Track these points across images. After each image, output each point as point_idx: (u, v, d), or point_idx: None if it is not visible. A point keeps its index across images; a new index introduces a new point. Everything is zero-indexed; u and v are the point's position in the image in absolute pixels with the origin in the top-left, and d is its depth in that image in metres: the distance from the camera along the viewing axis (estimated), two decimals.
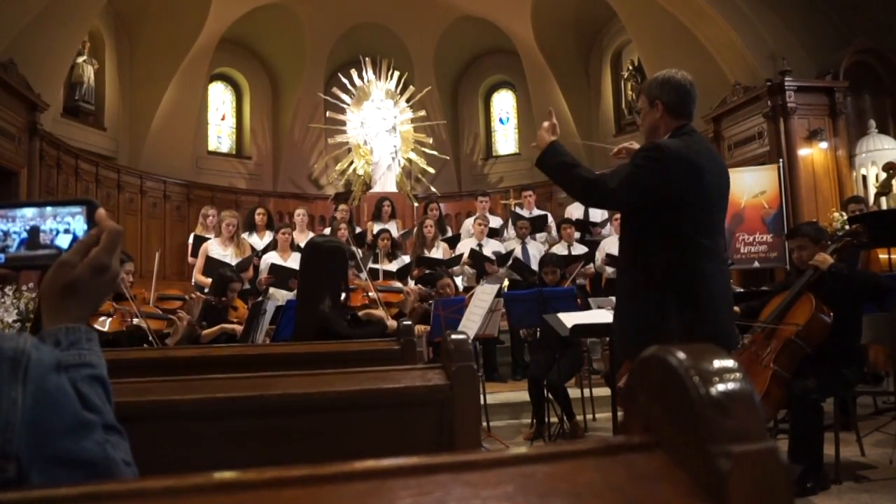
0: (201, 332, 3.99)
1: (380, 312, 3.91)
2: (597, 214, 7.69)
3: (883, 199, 6.83)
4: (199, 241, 6.44)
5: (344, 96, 10.31)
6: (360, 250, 5.71)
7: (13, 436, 0.60)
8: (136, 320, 3.39)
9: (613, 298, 4.57)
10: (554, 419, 4.51)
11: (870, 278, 3.37)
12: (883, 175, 6.90)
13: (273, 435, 1.23)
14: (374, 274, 5.92)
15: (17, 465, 0.60)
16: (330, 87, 10.72)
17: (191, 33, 9.61)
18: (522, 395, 4.86)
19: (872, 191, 6.98)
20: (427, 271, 6.31)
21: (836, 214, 6.72)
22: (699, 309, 2.16)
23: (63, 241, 0.86)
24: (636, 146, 2.47)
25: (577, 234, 7.16)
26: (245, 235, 6.58)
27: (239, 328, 4.16)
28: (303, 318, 2.65)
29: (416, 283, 6.03)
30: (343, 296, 2.75)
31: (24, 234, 0.86)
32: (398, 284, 5.44)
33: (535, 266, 6.16)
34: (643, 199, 2.18)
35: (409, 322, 2.16)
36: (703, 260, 2.18)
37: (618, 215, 6.99)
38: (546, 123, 2.34)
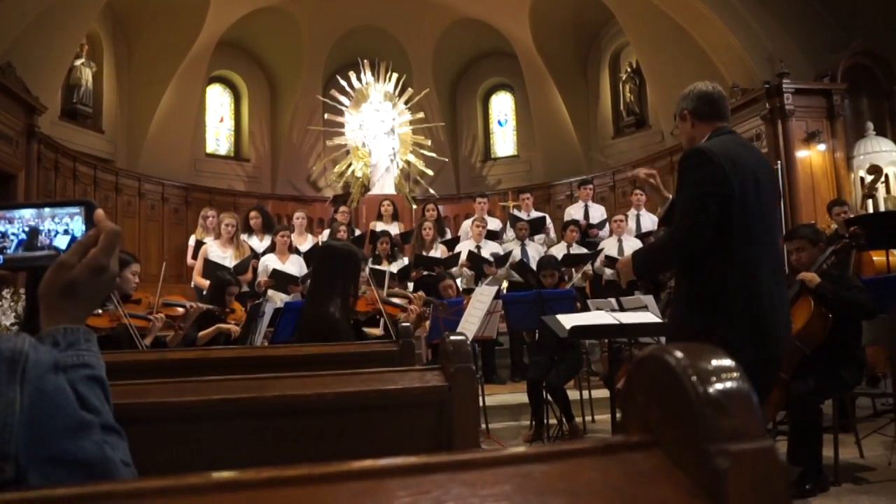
0: (197, 335, 3.98)
1: (378, 332, 3.92)
2: (596, 216, 7.70)
3: (870, 202, 6.86)
4: (200, 244, 6.44)
5: (342, 98, 10.31)
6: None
7: (11, 436, 0.60)
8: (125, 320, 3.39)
9: (612, 300, 4.59)
10: (553, 421, 4.51)
11: (852, 303, 3.29)
12: (869, 178, 6.94)
13: (271, 437, 1.23)
14: (375, 275, 5.91)
15: (15, 465, 0.60)
16: (328, 90, 10.72)
17: (189, 36, 9.61)
18: (521, 397, 4.85)
19: None
20: (425, 273, 6.31)
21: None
22: (721, 305, 2.12)
23: (61, 242, 0.86)
24: (650, 171, 2.53)
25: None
26: (244, 237, 6.57)
27: (235, 328, 4.16)
28: (310, 319, 2.65)
29: (415, 286, 6.03)
30: (351, 301, 2.76)
31: (23, 236, 0.86)
32: (401, 298, 5.42)
33: (533, 267, 6.16)
34: (713, 207, 2.10)
35: (409, 324, 2.16)
36: (741, 256, 2.12)
37: (617, 217, 7.03)
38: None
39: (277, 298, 5.73)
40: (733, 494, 0.40)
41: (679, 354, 0.45)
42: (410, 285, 6.37)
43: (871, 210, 6.84)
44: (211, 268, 5.62)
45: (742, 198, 2.11)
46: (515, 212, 7.94)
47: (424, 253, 6.60)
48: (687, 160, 2.19)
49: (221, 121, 11.27)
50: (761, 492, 0.40)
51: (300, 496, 0.42)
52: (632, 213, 7.26)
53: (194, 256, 6.46)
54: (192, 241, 6.94)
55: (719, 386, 0.43)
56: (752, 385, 0.43)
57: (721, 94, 2.35)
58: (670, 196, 2.36)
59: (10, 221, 0.86)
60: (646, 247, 2.39)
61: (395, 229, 7.35)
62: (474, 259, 6.54)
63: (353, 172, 10.32)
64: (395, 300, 5.12)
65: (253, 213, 6.92)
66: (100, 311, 3.28)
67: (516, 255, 6.82)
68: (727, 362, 0.45)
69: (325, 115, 10.65)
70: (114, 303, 3.36)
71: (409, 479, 0.42)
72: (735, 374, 0.44)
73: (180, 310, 3.92)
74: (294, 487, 0.42)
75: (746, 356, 2.06)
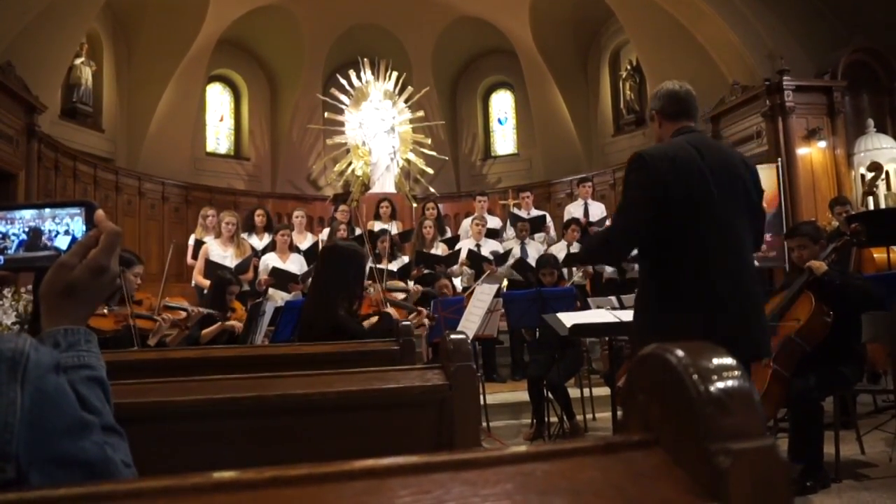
0: (201, 333, 3.98)
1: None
2: (595, 213, 7.70)
3: (870, 199, 6.85)
4: (200, 244, 6.45)
5: (342, 97, 10.31)
6: None
7: (12, 436, 0.60)
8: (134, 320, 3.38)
9: (613, 298, 4.59)
10: (554, 419, 4.51)
11: (859, 289, 3.30)
12: (869, 175, 6.94)
13: (272, 435, 1.23)
14: (375, 274, 5.91)
15: (16, 465, 0.60)
16: (328, 88, 10.72)
17: (189, 35, 9.61)
18: (522, 396, 4.86)
19: None
20: (426, 271, 6.31)
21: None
22: (670, 306, 2.14)
23: (62, 243, 0.86)
24: None
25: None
26: (244, 236, 6.58)
27: (239, 325, 4.16)
28: (314, 319, 2.64)
29: (415, 284, 6.03)
30: (357, 302, 2.75)
31: (23, 236, 0.86)
32: (402, 291, 5.42)
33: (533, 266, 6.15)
34: (646, 210, 2.15)
35: (409, 323, 2.16)
36: (690, 257, 2.13)
37: None
38: None
39: (278, 297, 5.74)
40: (734, 493, 0.40)
41: (680, 353, 0.45)
42: (411, 284, 6.37)
43: (871, 207, 6.83)
44: (212, 267, 5.62)
45: (683, 198, 2.12)
46: (516, 210, 7.93)
47: (425, 251, 6.60)
48: (628, 164, 2.24)
49: (221, 120, 11.26)
50: (762, 490, 0.40)
51: (302, 496, 0.42)
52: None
53: (194, 256, 6.47)
54: (191, 241, 6.95)
55: (720, 384, 0.43)
56: None
57: (688, 92, 2.34)
58: None
59: (11, 222, 0.87)
60: (588, 239, 2.44)
61: (393, 229, 7.35)
62: (474, 258, 6.53)
63: (353, 171, 10.31)
64: (398, 294, 5.12)
65: (259, 212, 7.02)
66: (105, 311, 3.28)
67: (516, 253, 6.81)
68: (728, 361, 0.45)
69: (325, 114, 10.65)
70: (118, 300, 3.36)
71: (411, 479, 0.42)
72: (736, 373, 0.44)
73: (182, 313, 3.92)
74: (296, 487, 0.42)
75: None
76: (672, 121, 2.32)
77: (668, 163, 2.13)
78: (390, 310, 4.10)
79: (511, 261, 6.66)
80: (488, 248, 6.80)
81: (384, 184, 9.76)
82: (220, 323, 4.10)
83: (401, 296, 5.40)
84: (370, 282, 4.49)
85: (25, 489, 0.60)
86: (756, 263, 2.44)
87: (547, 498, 0.41)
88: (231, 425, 1.21)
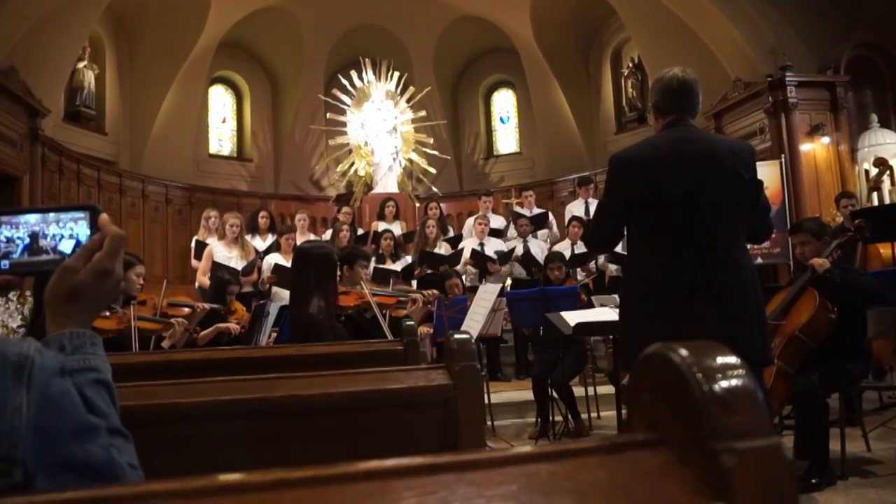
0: (198, 336, 3.98)
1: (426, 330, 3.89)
2: None
3: (875, 195, 6.83)
4: (201, 245, 6.45)
5: (344, 97, 10.31)
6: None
7: (18, 441, 0.60)
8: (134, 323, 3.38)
9: (616, 296, 4.58)
10: (558, 418, 4.51)
11: (861, 286, 3.27)
12: (874, 170, 6.91)
13: (277, 437, 1.23)
14: (379, 273, 5.91)
15: (22, 469, 0.61)
16: (330, 89, 10.72)
17: (190, 37, 9.62)
18: (526, 395, 4.86)
19: None
20: (429, 271, 6.31)
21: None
22: (640, 304, 2.18)
23: (66, 247, 0.86)
24: None
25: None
26: (248, 238, 6.59)
27: (236, 326, 4.17)
28: (294, 322, 2.69)
29: (419, 284, 6.03)
30: (331, 298, 2.77)
31: (28, 240, 0.87)
32: (410, 295, 5.40)
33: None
34: (609, 216, 2.27)
35: (413, 322, 2.16)
36: (657, 254, 2.17)
37: None
38: None
39: (283, 296, 5.74)
40: (740, 492, 0.40)
41: (684, 352, 0.45)
42: (414, 283, 6.37)
43: (876, 202, 6.81)
44: (217, 268, 5.64)
45: (646, 195, 2.16)
46: (517, 208, 7.93)
47: (428, 250, 6.60)
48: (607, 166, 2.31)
49: (224, 121, 11.28)
50: (768, 489, 0.40)
51: (307, 498, 0.42)
52: None
53: (197, 257, 6.48)
54: (193, 243, 6.96)
55: (725, 383, 0.43)
56: None
57: (683, 83, 2.25)
58: None
59: (16, 227, 0.87)
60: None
61: (397, 229, 7.36)
62: (478, 258, 6.53)
63: (355, 171, 10.31)
64: (391, 291, 5.10)
65: (263, 213, 7.02)
66: (107, 313, 3.28)
67: (519, 251, 6.81)
68: (732, 359, 0.45)
69: (328, 115, 10.65)
70: (122, 302, 3.36)
71: (415, 480, 0.43)
72: (741, 372, 0.44)
73: (186, 310, 3.93)
74: (301, 489, 0.42)
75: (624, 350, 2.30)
76: (664, 115, 2.30)
77: (633, 164, 2.20)
78: (374, 300, 4.05)
79: (514, 256, 6.66)
80: (492, 247, 6.80)
81: (387, 184, 9.76)
82: (215, 326, 4.09)
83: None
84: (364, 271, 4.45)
85: (32, 493, 0.60)
86: (760, 260, 2.50)
87: (552, 498, 0.41)
88: (236, 427, 1.21)
